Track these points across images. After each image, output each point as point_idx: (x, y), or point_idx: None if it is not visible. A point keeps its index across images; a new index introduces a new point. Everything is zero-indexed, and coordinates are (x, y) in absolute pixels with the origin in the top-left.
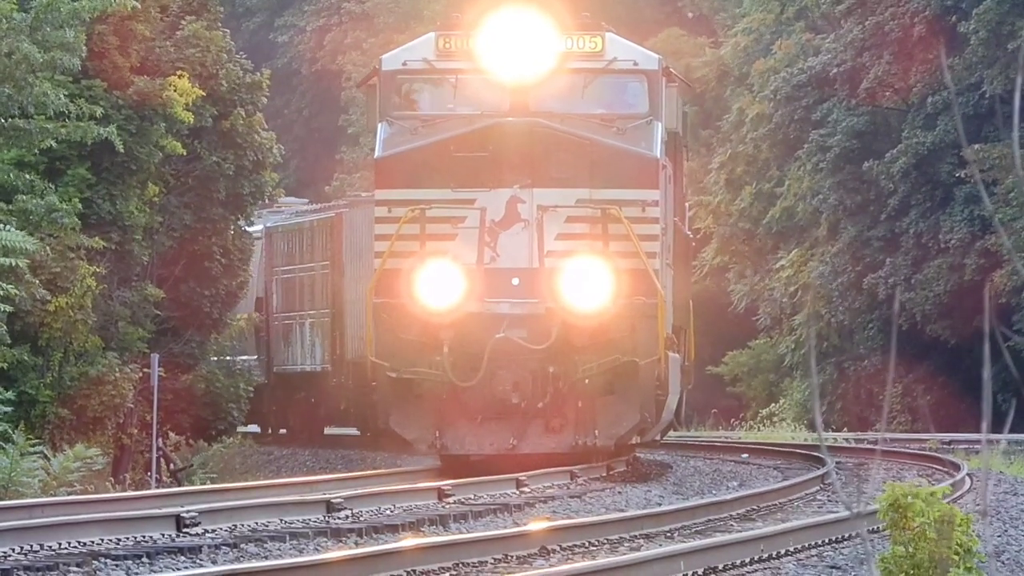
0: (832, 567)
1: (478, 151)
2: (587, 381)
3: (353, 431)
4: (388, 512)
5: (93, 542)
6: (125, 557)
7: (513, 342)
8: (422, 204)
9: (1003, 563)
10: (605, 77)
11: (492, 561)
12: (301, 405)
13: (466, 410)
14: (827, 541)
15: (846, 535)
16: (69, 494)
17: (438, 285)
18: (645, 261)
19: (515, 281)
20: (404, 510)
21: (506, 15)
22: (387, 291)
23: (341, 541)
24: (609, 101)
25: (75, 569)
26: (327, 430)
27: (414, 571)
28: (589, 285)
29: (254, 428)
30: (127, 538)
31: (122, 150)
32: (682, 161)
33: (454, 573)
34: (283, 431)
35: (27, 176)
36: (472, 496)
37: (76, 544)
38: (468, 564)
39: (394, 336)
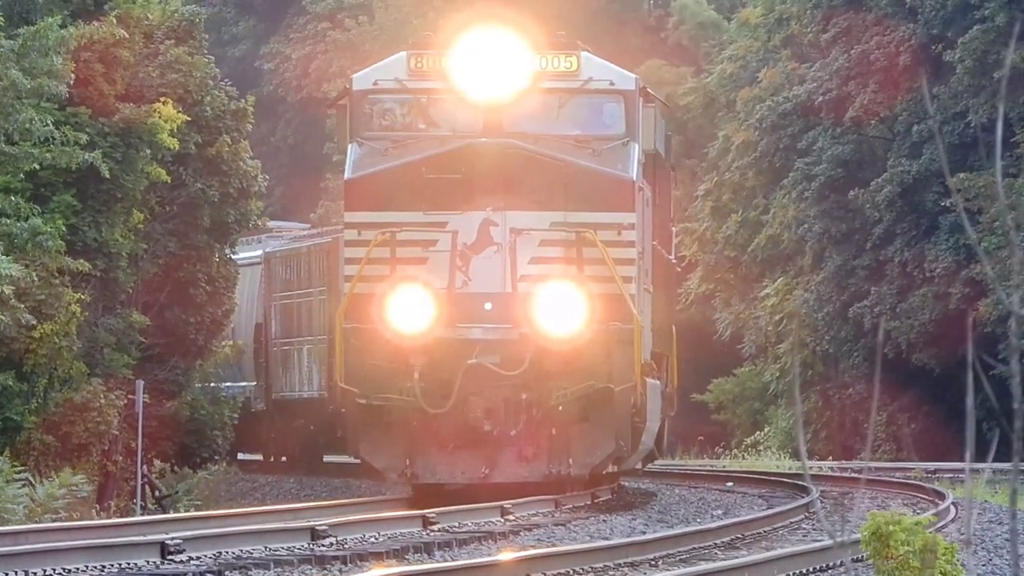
0: None
1: (450, 172)
2: (561, 408)
3: (352, 459)
4: (373, 540)
5: (78, 569)
6: None
7: (485, 368)
8: (392, 227)
9: None
10: (580, 97)
11: None
12: (300, 432)
13: (437, 438)
14: (811, 570)
15: (830, 564)
16: (54, 521)
17: (409, 310)
18: (621, 286)
19: (488, 306)
20: (388, 537)
21: (479, 33)
22: (357, 316)
23: (325, 569)
24: (584, 121)
25: None
26: (326, 458)
27: None
28: (563, 310)
29: (257, 456)
30: (112, 565)
31: (108, 175)
32: (667, 183)
33: None
34: (284, 459)
35: (12, 199)
36: (457, 524)
37: (61, 571)
38: None
39: (363, 361)
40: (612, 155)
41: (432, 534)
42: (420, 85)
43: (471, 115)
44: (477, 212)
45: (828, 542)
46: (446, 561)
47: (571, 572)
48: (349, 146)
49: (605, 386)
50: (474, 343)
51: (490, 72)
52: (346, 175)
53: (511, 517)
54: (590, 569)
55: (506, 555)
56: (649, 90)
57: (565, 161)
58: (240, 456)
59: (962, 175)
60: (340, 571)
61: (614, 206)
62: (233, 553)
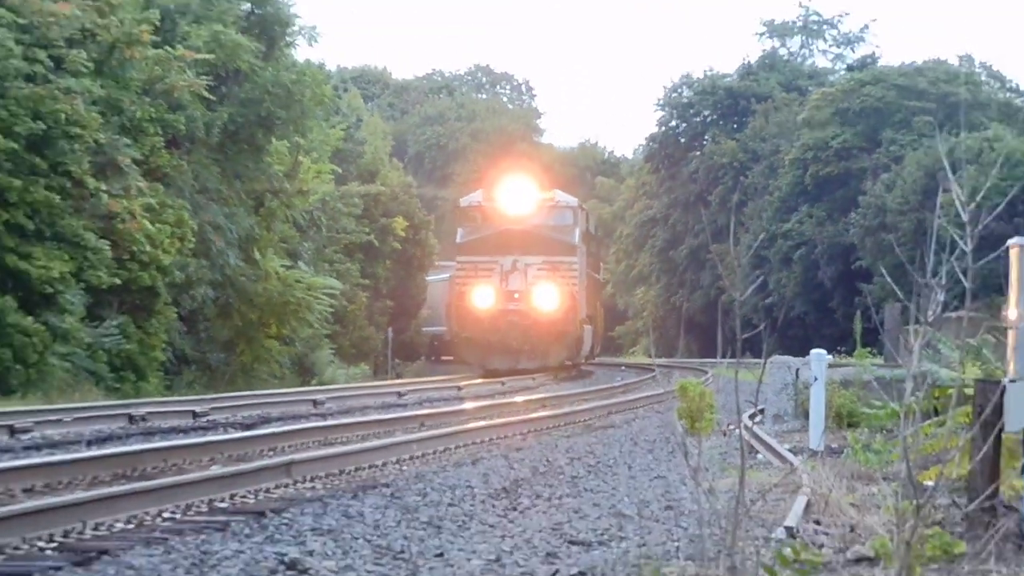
0: (655, 413)
1: (501, 240)
2: (547, 337)
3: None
4: (482, 390)
5: (367, 405)
6: (377, 408)
7: (515, 322)
8: (476, 263)
9: (724, 411)
10: (554, 208)
11: (523, 408)
12: None
13: (494, 350)
14: (655, 402)
15: (663, 399)
16: (354, 383)
17: (482, 297)
18: (571, 287)
19: (516, 295)
20: (489, 390)
21: (513, 181)
22: (461, 299)
23: (461, 400)
24: (556, 219)
25: (358, 412)
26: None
27: (491, 415)
28: (547, 297)
29: (450, 358)
30: (379, 402)
31: (376, 245)
32: (598, 246)
33: (507, 410)
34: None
35: (338, 256)
36: (515, 384)
37: (358, 404)
38: (511, 409)
39: (464, 319)
40: (567, 233)
41: (505, 387)
42: (487, 204)
43: (509, 217)
44: (511, 256)
45: (661, 390)
46: (512, 397)
47: (561, 400)
48: (458, 229)
49: (563, 329)
50: (510, 311)
51: (518, 198)
52: (457, 241)
53: (536, 380)
54: (567, 399)
55: (535, 396)
56: (583, 206)
57: (548, 236)
58: (444, 358)
59: (716, 246)
60: (469, 401)
61: (567, 254)
62: (428, 395)
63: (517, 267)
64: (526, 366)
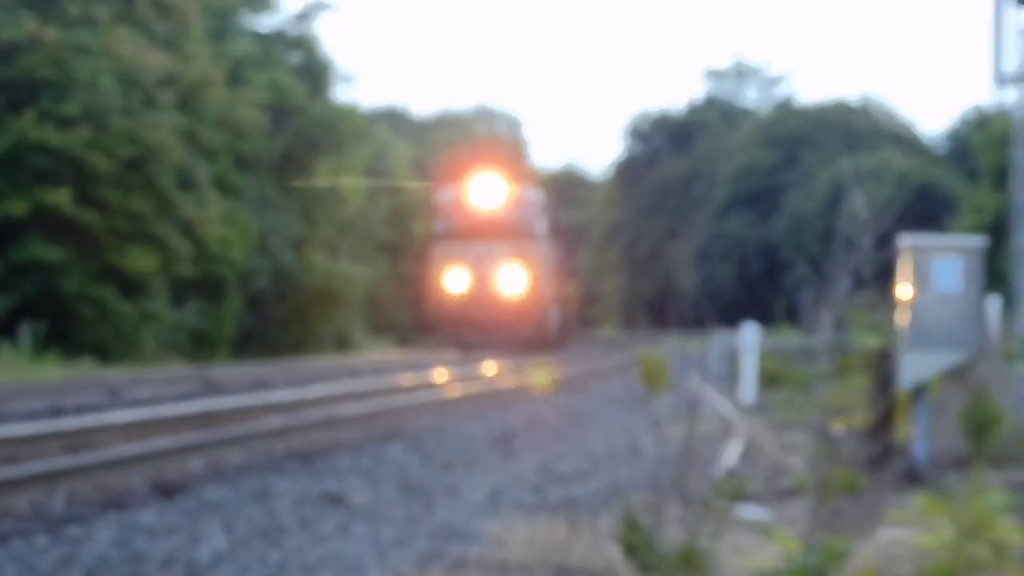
0: (621, 376)
1: (472, 229)
2: (514, 317)
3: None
4: (484, 358)
5: (393, 370)
6: (409, 368)
7: (484, 302)
8: (451, 249)
9: (676, 374)
10: (521, 201)
11: (509, 373)
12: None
13: (466, 326)
14: (622, 368)
15: (627, 366)
16: (387, 349)
17: (456, 280)
18: (535, 271)
19: (485, 278)
20: (473, 358)
21: (485, 176)
22: (437, 282)
23: (461, 365)
24: (523, 211)
25: (386, 373)
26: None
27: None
28: (513, 280)
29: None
30: (403, 368)
31: (401, 243)
32: (571, 236)
33: (503, 375)
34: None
35: (370, 252)
36: (510, 355)
37: (389, 368)
38: (507, 374)
39: (440, 299)
40: (532, 223)
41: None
42: (462, 197)
43: (480, 208)
44: (481, 243)
45: (626, 358)
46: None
47: (536, 365)
48: (436, 219)
49: (527, 308)
50: (480, 292)
51: (488, 192)
52: (434, 230)
53: (527, 352)
54: (540, 364)
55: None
56: (549, 200)
57: (515, 225)
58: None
59: (669, 244)
60: (470, 363)
61: (531, 241)
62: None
63: (487, 253)
64: (498, 343)
